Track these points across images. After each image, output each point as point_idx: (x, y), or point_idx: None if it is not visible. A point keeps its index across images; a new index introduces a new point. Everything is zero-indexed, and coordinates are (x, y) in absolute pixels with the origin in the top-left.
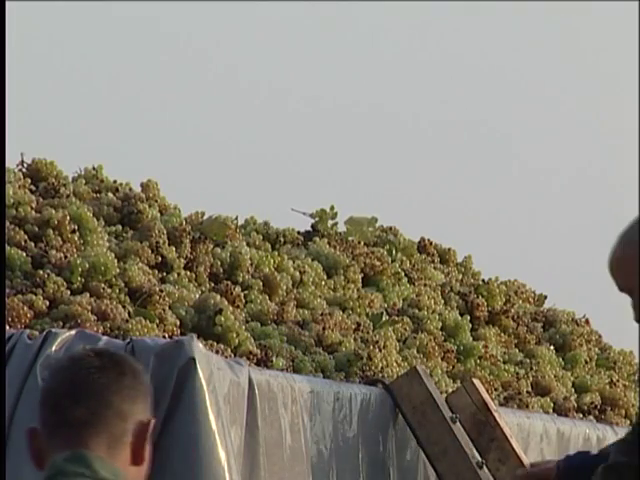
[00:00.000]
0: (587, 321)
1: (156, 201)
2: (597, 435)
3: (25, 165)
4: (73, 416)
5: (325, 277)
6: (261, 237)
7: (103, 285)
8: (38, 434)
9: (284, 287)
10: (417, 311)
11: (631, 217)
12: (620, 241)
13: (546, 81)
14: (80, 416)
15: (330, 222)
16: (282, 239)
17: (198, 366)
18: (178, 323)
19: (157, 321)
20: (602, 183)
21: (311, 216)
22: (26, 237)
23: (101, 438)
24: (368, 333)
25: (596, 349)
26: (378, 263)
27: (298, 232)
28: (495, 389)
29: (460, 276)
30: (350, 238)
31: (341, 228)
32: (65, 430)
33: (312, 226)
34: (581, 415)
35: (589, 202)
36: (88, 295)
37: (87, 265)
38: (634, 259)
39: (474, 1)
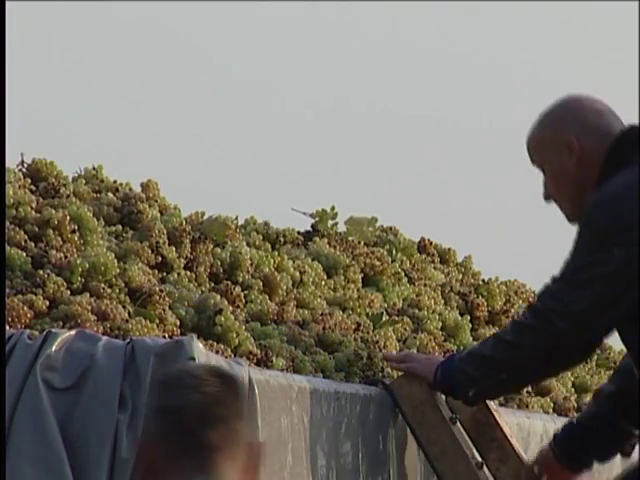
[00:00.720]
0: None
1: (156, 201)
2: None
3: (25, 165)
4: (206, 440)
5: (325, 277)
6: (261, 237)
7: (103, 285)
8: (154, 447)
9: (284, 287)
10: (417, 311)
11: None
12: (538, 121)
13: (546, 81)
14: (213, 441)
15: (330, 222)
16: (282, 239)
17: None
18: (178, 323)
19: (157, 321)
20: None
21: (311, 216)
22: (26, 237)
23: (229, 463)
24: (368, 333)
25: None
26: (378, 263)
27: (298, 232)
28: None
29: (460, 276)
30: (350, 238)
31: (341, 228)
32: (197, 453)
33: (312, 226)
34: None
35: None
36: (88, 295)
37: (87, 265)
38: (546, 139)
39: (474, 1)
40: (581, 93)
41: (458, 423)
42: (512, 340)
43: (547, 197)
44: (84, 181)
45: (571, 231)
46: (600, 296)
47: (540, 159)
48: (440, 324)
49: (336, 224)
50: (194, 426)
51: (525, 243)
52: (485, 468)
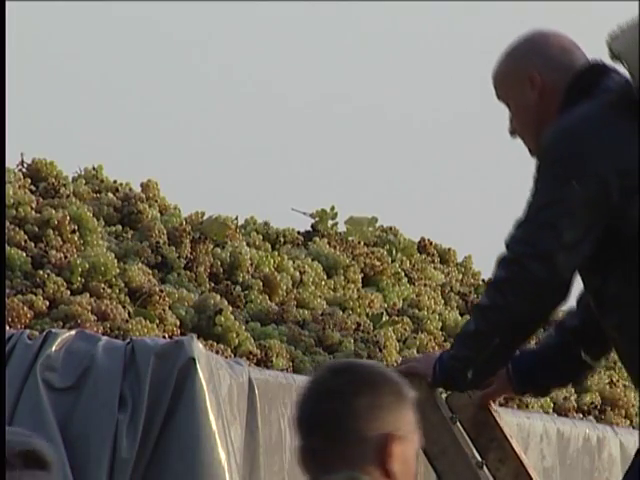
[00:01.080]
0: None
1: (156, 201)
2: (597, 435)
3: (25, 165)
4: (307, 445)
5: (325, 277)
6: (261, 237)
7: (103, 285)
8: None
9: (284, 287)
10: (417, 311)
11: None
12: (503, 55)
13: None
14: (318, 445)
15: (330, 222)
16: (282, 239)
17: (198, 366)
18: (178, 323)
19: (157, 321)
20: None
21: (311, 216)
22: (26, 237)
23: (339, 463)
24: (368, 333)
25: None
26: (378, 263)
27: (298, 232)
28: None
29: (460, 276)
30: (350, 238)
31: (341, 228)
32: (308, 455)
33: (312, 226)
34: (581, 415)
35: None
36: (88, 295)
37: (87, 265)
38: (509, 73)
39: (474, 1)
40: (549, 28)
41: (458, 423)
42: (491, 303)
43: (512, 132)
44: (84, 181)
45: None
46: (566, 233)
47: (504, 93)
48: (440, 324)
49: (336, 224)
50: (302, 432)
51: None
52: (485, 468)
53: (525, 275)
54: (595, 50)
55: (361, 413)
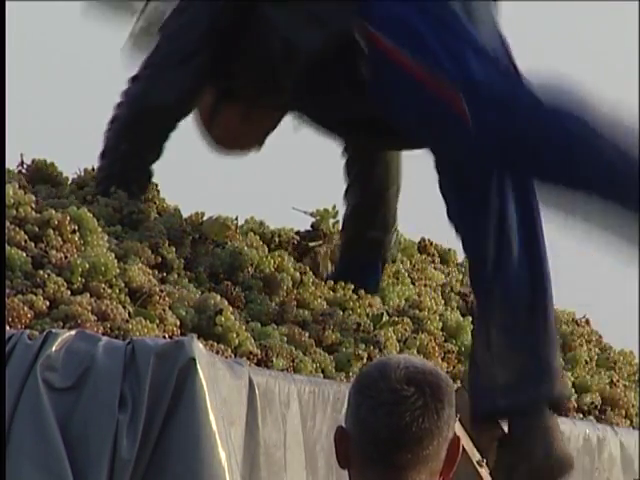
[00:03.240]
0: (587, 321)
1: (155, 203)
2: (597, 435)
3: (25, 166)
4: (396, 462)
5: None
6: (258, 237)
7: (103, 285)
8: (348, 440)
9: (284, 287)
10: (418, 312)
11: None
12: None
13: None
14: (402, 462)
15: (332, 221)
16: (277, 239)
17: (198, 366)
18: (178, 323)
19: (157, 321)
20: None
21: (312, 215)
22: (26, 237)
23: (422, 475)
24: (368, 333)
25: (596, 349)
26: None
27: (297, 232)
28: None
29: (460, 276)
30: None
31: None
32: (384, 469)
33: (312, 225)
34: (581, 415)
35: None
36: (88, 295)
37: (87, 265)
38: None
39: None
40: None
41: (458, 422)
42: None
43: None
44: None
45: (568, 229)
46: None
47: None
48: (441, 324)
49: (337, 222)
50: (385, 448)
51: None
52: (485, 467)
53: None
54: (595, 50)
55: (444, 426)
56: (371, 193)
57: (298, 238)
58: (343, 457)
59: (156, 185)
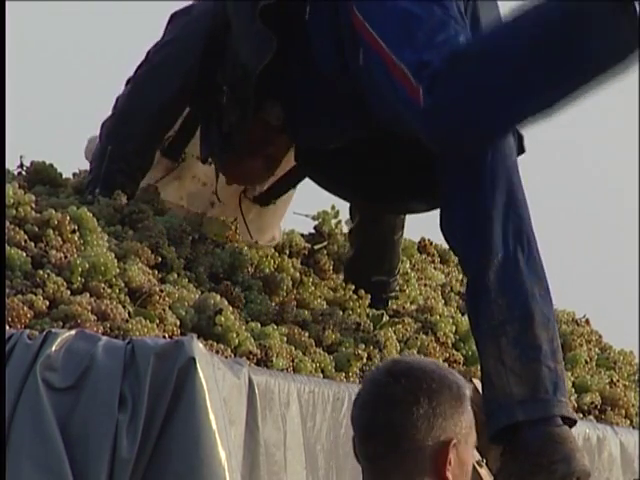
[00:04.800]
0: (587, 321)
1: (153, 205)
2: (597, 435)
3: (24, 168)
4: (368, 451)
5: (325, 276)
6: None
7: (103, 285)
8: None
9: (284, 287)
10: (429, 316)
11: (631, 216)
12: None
13: None
14: (373, 453)
15: (333, 221)
16: (288, 250)
17: (198, 366)
18: (178, 323)
19: (157, 321)
20: (603, 183)
21: (313, 218)
22: (26, 237)
23: (398, 474)
24: (368, 333)
25: (596, 349)
26: None
27: (302, 235)
28: None
29: (460, 276)
30: None
31: (343, 229)
32: (363, 462)
33: (315, 228)
34: (581, 415)
35: (590, 202)
36: (88, 295)
37: (87, 265)
38: None
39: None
40: None
41: None
42: None
43: None
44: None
45: (571, 231)
46: None
47: None
48: (454, 328)
49: (339, 222)
50: (358, 439)
51: None
52: (486, 467)
53: None
54: None
55: (420, 423)
56: (378, 239)
57: (309, 247)
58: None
59: (155, 187)
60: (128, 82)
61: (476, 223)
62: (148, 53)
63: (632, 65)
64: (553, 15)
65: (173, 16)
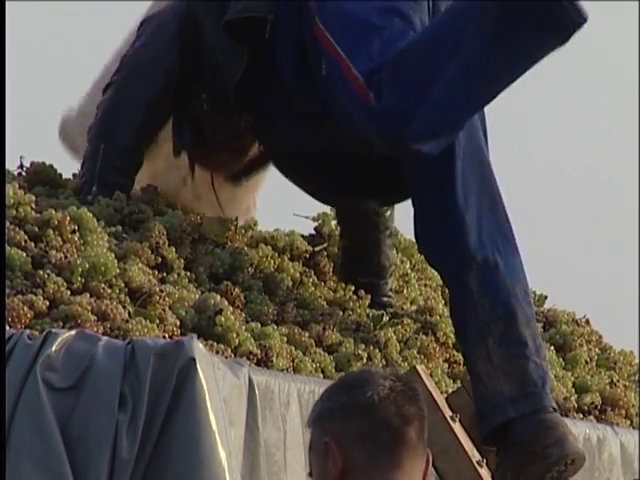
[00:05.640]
0: (587, 321)
1: (153, 206)
2: (597, 435)
3: (24, 168)
4: (405, 437)
5: (325, 277)
6: (270, 248)
7: (103, 285)
8: (349, 446)
9: (284, 287)
10: (429, 316)
11: (630, 215)
12: None
13: (546, 80)
14: (410, 438)
15: (333, 222)
16: (289, 253)
17: (198, 366)
18: (178, 323)
19: (157, 321)
20: (603, 182)
21: (313, 219)
22: (26, 237)
23: (420, 460)
24: (368, 333)
25: (596, 349)
26: None
27: (302, 235)
28: None
29: None
30: None
31: None
32: (396, 450)
33: (316, 229)
34: (581, 415)
35: (590, 201)
36: (88, 295)
37: (87, 265)
38: None
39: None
40: None
41: (458, 422)
42: None
43: None
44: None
45: (571, 231)
46: None
47: None
48: (450, 327)
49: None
50: (395, 423)
51: (525, 243)
52: (485, 467)
53: None
54: (595, 50)
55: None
56: (362, 240)
57: (311, 249)
58: (343, 470)
59: (155, 187)
60: (107, 88)
61: (450, 230)
62: (122, 59)
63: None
64: (489, 8)
65: (142, 23)
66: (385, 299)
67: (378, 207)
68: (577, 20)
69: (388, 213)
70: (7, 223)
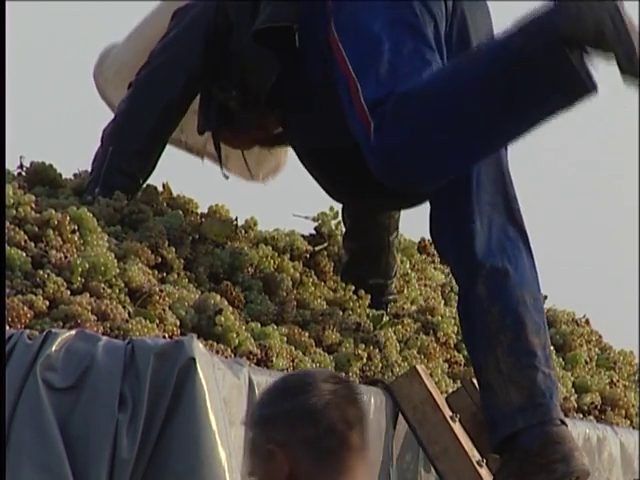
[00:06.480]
0: (587, 321)
1: (153, 206)
2: (597, 435)
3: (24, 168)
4: (350, 442)
5: (325, 277)
6: (270, 248)
7: (103, 285)
8: (294, 453)
9: (284, 287)
10: (431, 317)
11: (630, 214)
12: None
13: None
14: (355, 442)
15: (333, 222)
16: (289, 253)
17: (198, 366)
18: (178, 323)
19: (157, 321)
20: (603, 181)
21: (313, 219)
22: (26, 237)
23: (365, 464)
24: (368, 333)
25: (596, 349)
26: None
27: (302, 236)
28: None
29: None
30: None
31: (343, 228)
32: (343, 455)
33: (316, 229)
34: (581, 415)
35: (590, 200)
36: (88, 295)
37: (87, 265)
38: None
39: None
40: None
41: (458, 422)
42: None
43: None
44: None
45: (571, 230)
46: None
47: None
48: (456, 329)
49: (339, 223)
50: (339, 428)
51: None
52: (485, 467)
53: None
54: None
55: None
56: (373, 241)
57: (311, 250)
58: (289, 477)
59: (155, 188)
60: (130, 85)
61: (461, 238)
62: (151, 54)
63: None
64: (499, 61)
65: (175, 13)
66: (391, 297)
67: (396, 210)
68: (588, 85)
69: (397, 215)
70: (7, 223)
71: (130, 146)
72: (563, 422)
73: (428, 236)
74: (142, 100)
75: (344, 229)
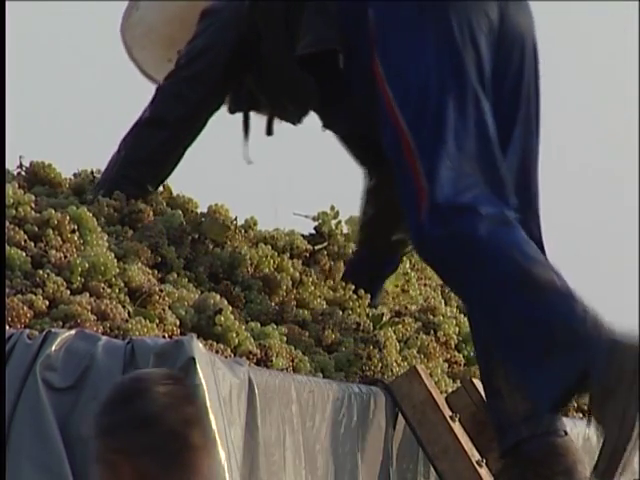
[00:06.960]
0: None
1: (152, 205)
2: (597, 435)
3: (24, 168)
4: (191, 441)
5: (325, 277)
6: (270, 247)
7: (103, 285)
8: (140, 459)
9: (284, 287)
10: (432, 316)
11: (630, 213)
12: None
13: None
14: (197, 441)
15: (334, 222)
16: (289, 252)
17: (198, 366)
18: (178, 323)
19: (157, 321)
20: (602, 180)
21: (313, 219)
22: (26, 237)
23: (210, 461)
24: (368, 333)
25: None
26: None
27: (303, 235)
28: None
29: None
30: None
31: (343, 229)
32: (186, 455)
33: (316, 229)
34: (581, 415)
35: (590, 199)
36: (88, 295)
37: (87, 265)
38: None
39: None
40: None
41: (458, 422)
42: None
43: None
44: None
45: (571, 230)
46: None
47: None
48: (457, 329)
49: (339, 222)
50: (179, 430)
51: None
52: (485, 467)
53: None
54: (595, 50)
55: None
56: (394, 200)
57: (311, 249)
58: None
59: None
60: (158, 89)
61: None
62: (179, 59)
63: None
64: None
65: (204, 14)
66: (408, 249)
67: None
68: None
69: None
70: (7, 223)
71: (141, 155)
72: (566, 433)
73: None
74: (158, 111)
75: (345, 227)
